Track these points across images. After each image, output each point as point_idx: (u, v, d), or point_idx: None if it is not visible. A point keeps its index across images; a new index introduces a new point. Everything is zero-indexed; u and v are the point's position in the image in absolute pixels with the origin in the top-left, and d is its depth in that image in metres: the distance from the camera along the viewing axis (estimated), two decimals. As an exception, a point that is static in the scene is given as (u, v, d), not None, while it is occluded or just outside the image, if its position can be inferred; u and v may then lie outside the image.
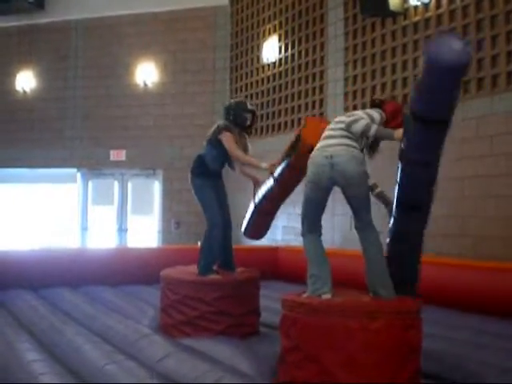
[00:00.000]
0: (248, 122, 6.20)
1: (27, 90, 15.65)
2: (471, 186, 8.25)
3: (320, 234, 4.54)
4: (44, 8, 15.53)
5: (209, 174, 6.06)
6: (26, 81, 15.63)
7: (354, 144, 4.40)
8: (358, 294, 4.45)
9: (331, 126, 4.61)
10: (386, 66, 9.86)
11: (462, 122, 8.38)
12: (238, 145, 6.03)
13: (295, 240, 10.96)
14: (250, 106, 6.27)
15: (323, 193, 4.43)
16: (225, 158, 6.12)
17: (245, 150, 6.14)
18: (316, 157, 4.41)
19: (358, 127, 4.36)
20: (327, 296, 4.24)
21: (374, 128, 4.32)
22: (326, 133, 4.55)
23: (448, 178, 8.49)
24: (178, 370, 4.42)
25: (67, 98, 15.37)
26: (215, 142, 6.02)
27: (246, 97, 12.78)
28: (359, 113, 4.63)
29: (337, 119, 4.64)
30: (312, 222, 4.51)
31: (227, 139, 5.94)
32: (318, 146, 4.48)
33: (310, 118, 5.47)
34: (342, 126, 4.48)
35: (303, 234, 4.54)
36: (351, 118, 4.47)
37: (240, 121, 6.14)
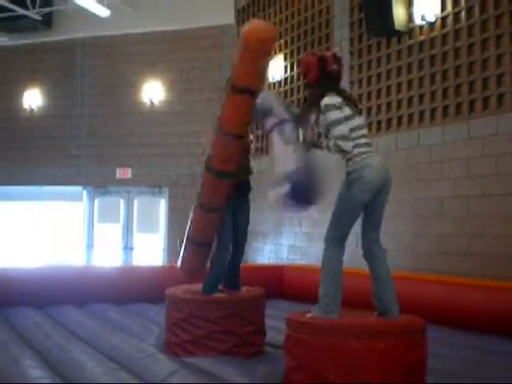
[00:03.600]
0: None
1: (34, 107, 15.74)
2: (477, 205, 8.24)
3: (344, 250, 4.44)
4: (51, 26, 15.64)
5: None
6: (32, 99, 15.72)
7: None
8: (362, 314, 4.44)
9: (364, 131, 4.53)
10: (391, 85, 9.87)
11: (467, 141, 8.39)
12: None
13: (301, 259, 10.97)
14: None
15: (371, 196, 4.35)
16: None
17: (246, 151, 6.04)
18: (374, 161, 4.35)
19: None
20: (333, 317, 4.22)
21: None
22: (367, 140, 4.49)
23: (454, 196, 8.52)
24: (183, 388, 4.41)
25: (73, 116, 15.44)
26: None
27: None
28: None
29: (362, 120, 4.61)
30: (346, 232, 4.40)
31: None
32: (369, 150, 4.40)
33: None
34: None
35: (330, 246, 4.39)
36: None
37: None
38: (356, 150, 4.36)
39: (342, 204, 4.38)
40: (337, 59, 4.69)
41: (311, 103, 4.62)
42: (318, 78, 4.61)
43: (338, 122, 4.37)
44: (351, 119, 4.42)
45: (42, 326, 6.73)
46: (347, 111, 4.44)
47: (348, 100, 4.53)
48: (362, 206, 4.36)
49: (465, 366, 5.15)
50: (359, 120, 4.50)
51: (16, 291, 8.04)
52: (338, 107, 4.41)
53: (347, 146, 4.32)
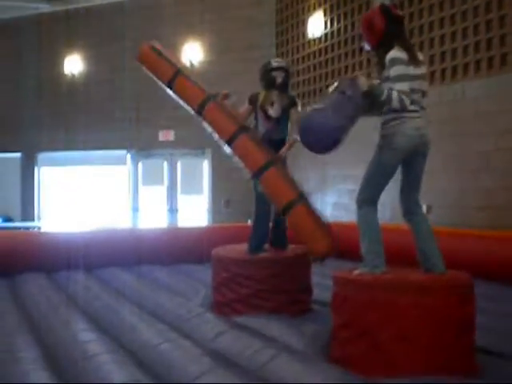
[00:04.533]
0: (279, 80, 6.00)
1: (76, 73, 15.81)
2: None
3: (376, 207, 4.43)
4: (90, -9, 15.64)
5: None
6: (74, 64, 15.79)
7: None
8: (409, 269, 4.41)
9: (418, 95, 4.34)
10: (434, 38, 9.68)
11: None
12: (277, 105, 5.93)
13: (345, 216, 10.91)
14: (274, 64, 6.07)
15: (401, 160, 4.34)
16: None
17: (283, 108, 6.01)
18: (406, 129, 4.25)
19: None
20: (381, 272, 4.22)
21: None
22: (415, 106, 4.32)
23: (499, 149, 8.38)
24: (232, 348, 4.44)
25: (116, 80, 15.47)
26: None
27: (292, 73, 12.68)
28: None
29: (419, 71, 4.37)
30: (377, 194, 4.40)
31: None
32: (405, 115, 4.24)
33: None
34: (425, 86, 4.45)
35: (362, 206, 4.40)
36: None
37: (270, 82, 6.00)
38: (389, 116, 4.30)
39: (373, 167, 4.39)
40: (396, 7, 4.56)
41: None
42: (385, 25, 4.41)
43: (403, 78, 4.22)
44: (413, 80, 4.28)
45: (91, 289, 6.84)
46: (411, 70, 4.28)
47: (413, 55, 4.35)
48: (391, 171, 4.33)
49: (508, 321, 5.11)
50: (418, 83, 4.33)
51: (65, 255, 8.17)
52: (403, 62, 4.24)
53: (407, 102, 4.20)
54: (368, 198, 4.40)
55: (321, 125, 4.24)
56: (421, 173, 4.46)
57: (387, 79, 4.27)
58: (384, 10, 4.50)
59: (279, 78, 6.01)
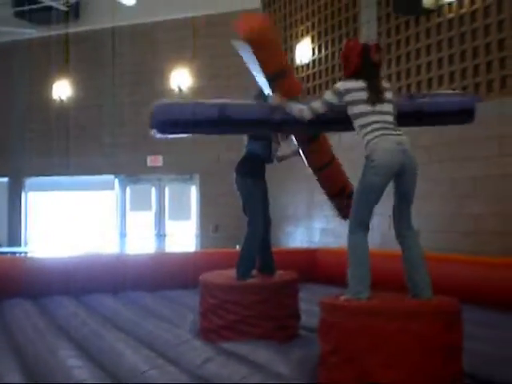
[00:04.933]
0: None
1: (64, 98, 15.83)
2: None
3: (367, 232, 4.40)
4: (78, 17, 15.70)
5: (254, 173, 6.00)
6: (62, 89, 15.81)
7: None
8: (396, 295, 4.42)
9: (385, 108, 4.48)
10: (421, 65, 9.77)
11: (498, 119, 8.28)
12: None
13: (333, 242, 10.93)
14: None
15: (389, 179, 4.32)
16: (270, 147, 6.11)
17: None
18: (386, 143, 4.28)
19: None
20: (364, 299, 4.20)
21: None
22: (384, 119, 4.43)
23: (487, 175, 8.42)
24: (219, 375, 4.42)
25: (104, 106, 15.52)
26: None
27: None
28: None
29: (385, 107, 4.49)
30: (367, 216, 4.36)
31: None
32: (382, 132, 4.35)
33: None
34: (393, 111, 4.52)
35: (352, 230, 4.38)
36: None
37: None
38: (372, 135, 4.35)
39: (359, 189, 4.39)
40: (379, 49, 4.68)
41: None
42: (360, 64, 4.55)
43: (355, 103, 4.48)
44: (360, 104, 4.45)
45: (78, 315, 6.80)
46: (359, 96, 4.45)
47: (372, 89, 4.49)
48: (378, 190, 4.31)
49: (499, 347, 5.10)
50: (377, 107, 4.44)
51: (52, 280, 8.14)
52: (339, 92, 4.54)
53: (308, 115, 4.70)
54: (358, 221, 4.38)
55: None
56: (410, 194, 4.43)
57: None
58: (364, 49, 4.61)
59: None
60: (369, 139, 4.36)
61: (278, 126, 5.18)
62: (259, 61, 4.98)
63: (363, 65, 4.55)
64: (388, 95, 4.52)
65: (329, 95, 4.59)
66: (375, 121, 4.39)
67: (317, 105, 4.66)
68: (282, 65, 5.24)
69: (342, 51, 4.76)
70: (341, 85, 4.54)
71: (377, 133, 4.35)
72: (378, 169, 4.26)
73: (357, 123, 4.47)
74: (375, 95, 4.45)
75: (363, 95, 4.44)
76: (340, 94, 4.51)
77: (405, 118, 4.91)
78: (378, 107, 4.43)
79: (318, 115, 4.70)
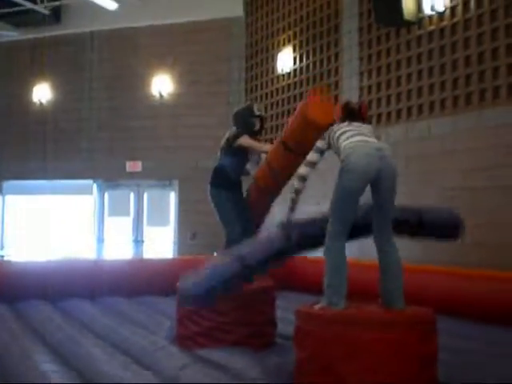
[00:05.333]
0: (257, 127, 6.25)
1: (44, 102, 15.76)
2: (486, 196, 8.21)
3: (345, 242, 4.36)
4: (59, 20, 15.63)
5: (229, 186, 6.04)
6: (42, 93, 15.74)
7: None
8: (372, 304, 4.43)
9: (363, 129, 4.60)
10: (401, 76, 9.85)
11: (478, 131, 8.35)
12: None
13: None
14: (257, 112, 6.30)
15: (365, 185, 4.25)
16: (244, 164, 6.17)
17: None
18: (363, 147, 4.30)
19: None
20: (339, 308, 4.20)
21: None
22: (362, 131, 4.54)
23: (464, 187, 8.48)
24: (194, 381, 4.41)
25: (83, 110, 15.46)
26: (233, 150, 6.03)
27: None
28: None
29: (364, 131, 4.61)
30: (344, 224, 4.30)
31: (247, 140, 5.99)
32: (358, 139, 4.40)
33: (312, 98, 5.53)
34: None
35: (329, 239, 4.33)
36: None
37: (249, 126, 6.16)
38: (347, 141, 4.43)
39: (335, 195, 4.33)
40: (363, 106, 4.93)
41: None
42: (342, 116, 4.78)
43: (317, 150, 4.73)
44: (344, 130, 4.57)
45: (53, 320, 6.76)
46: (343, 128, 4.60)
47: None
48: (354, 195, 4.26)
49: (474, 358, 5.14)
50: (356, 129, 4.57)
51: (28, 285, 8.09)
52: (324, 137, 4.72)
53: (304, 170, 4.77)
54: (336, 229, 4.33)
55: None
56: (388, 206, 4.37)
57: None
58: (344, 105, 4.92)
59: (257, 125, 6.26)
60: (344, 145, 4.38)
61: (298, 246, 5.30)
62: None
63: (345, 114, 4.79)
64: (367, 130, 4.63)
65: (319, 142, 4.73)
66: (353, 133, 4.48)
67: (309, 155, 4.76)
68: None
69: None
70: (325, 133, 4.74)
71: (352, 139, 4.39)
72: (351, 173, 4.21)
73: (339, 145, 4.50)
74: (354, 117, 4.68)
75: (345, 126, 4.60)
76: (325, 137, 4.69)
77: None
78: (357, 126, 4.57)
79: (314, 164, 4.76)
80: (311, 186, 5.12)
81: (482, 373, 4.65)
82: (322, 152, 4.69)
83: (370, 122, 4.97)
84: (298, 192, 4.84)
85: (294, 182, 4.89)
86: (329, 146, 4.65)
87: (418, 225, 5.20)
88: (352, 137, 4.42)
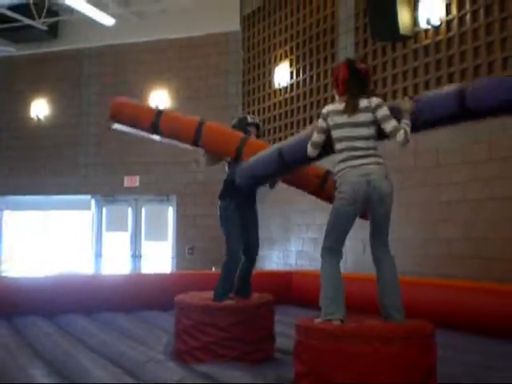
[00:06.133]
0: (253, 136, 6.29)
1: (41, 117, 15.81)
2: (485, 208, 8.22)
3: (340, 260, 4.47)
4: (57, 36, 15.71)
5: (237, 198, 6.00)
6: (39, 109, 15.79)
7: (380, 156, 4.49)
8: (371, 318, 4.43)
9: (357, 132, 4.47)
10: (397, 90, 9.89)
11: (474, 144, 8.38)
12: None
13: (309, 265, 10.96)
14: (251, 120, 6.42)
15: (359, 207, 4.40)
16: None
17: None
18: (351, 176, 4.37)
19: (388, 128, 4.40)
20: (339, 322, 4.21)
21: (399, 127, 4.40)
22: (354, 145, 4.44)
23: (462, 200, 8.50)
24: (193, 397, 4.41)
25: (80, 125, 15.50)
26: (237, 162, 6.03)
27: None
28: (383, 105, 4.51)
29: (359, 132, 4.48)
30: (338, 242, 4.44)
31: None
32: (351, 164, 4.40)
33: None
34: (368, 133, 4.47)
35: (324, 255, 4.45)
36: (382, 116, 4.44)
37: (246, 135, 6.18)
38: (339, 166, 4.48)
39: (331, 216, 4.48)
40: (362, 62, 4.81)
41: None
42: (348, 76, 4.60)
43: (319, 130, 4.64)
44: (337, 129, 4.51)
45: (50, 335, 6.73)
46: (336, 120, 4.51)
47: (347, 107, 4.53)
48: (347, 218, 4.42)
49: (473, 371, 5.13)
50: (351, 131, 4.48)
51: (25, 300, 8.06)
52: (324, 116, 4.60)
53: (312, 152, 4.73)
54: (330, 247, 4.45)
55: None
56: (382, 221, 4.48)
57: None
58: (348, 63, 4.72)
59: (254, 133, 6.33)
60: (338, 170, 4.49)
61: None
62: None
63: (350, 74, 4.61)
64: (364, 117, 4.51)
65: (319, 121, 4.66)
66: (345, 148, 4.47)
67: (313, 137, 4.70)
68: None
69: (332, 72, 4.92)
70: (325, 108, 4.64)
71: (343, 165, 4.45)
72: (345, 200, 4.38)
73: (335, 148, 4.55)
74: (348, 116, 4.49)
75: (339, 119, 4.50)
76: (324, 116, 4.60)
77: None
78: (352, 132, 4.47)
79: (320, 146, 4.72)
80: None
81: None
82: (326, 131, 4.62)
83: (373, 93, 4.78)
84: None
85: None
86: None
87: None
88: (343, 162, 4.45)
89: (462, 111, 4.33)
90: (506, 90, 4.09)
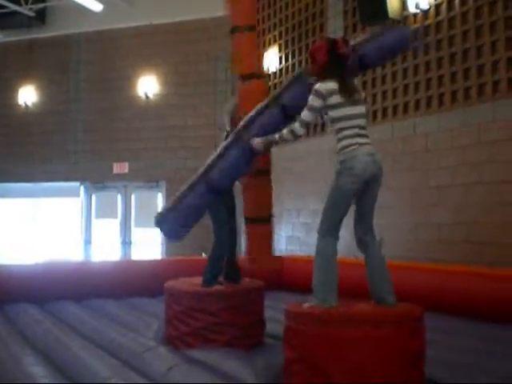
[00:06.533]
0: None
1: (29, 104, 15.73)
2: (475, 192, 8.24)
3: (337, 240, 4.41)
4: (45, 22, 15.61)
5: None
6: (27, 95, 15.71)
7: None
8: (361, 303, 4.43)
9: (358, 110, 4.45)
10: (386, 74, 9.87)
11: (463, 129, 8.39)
12: None
13: (299, 250, 10.96)
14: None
15: (360, 186, 4.33)
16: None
17: None
18: (361, 154, 4.31)
19: None
20: (332, 306, 4.20)
21: None
22: (358, 123, 4.42)
23: (451, 184, 8.52)
24: (183, 382, 4.40)
25: (69, 112, 15.42)
26: None
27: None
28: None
29: (358, 110, 4.47)
30: (337, 223, 4.37)
31: None
32: (358, 141, 4.36)
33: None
34: (365, 111, 4.53)
35: (321, 237, 4.37)
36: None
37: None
38: (346, 142, 4.36)
39: (332, 194, 4.38)
40: (346, 43, 4.63)
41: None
42: (326, 60, 4.50)
43: (316, 109, 4.48)
44: (339, 108, 4.40)
45: (41, 323, 6.72)
46: (337, 99, 4.40)
47: (344, 88, 4.46)
48: (348, 197, 4.34)
49: (463, 355, 5.16)
50: (352, 109, 4.44)
51: (15, 288, 8.03)
52: (323, 96, 4.42)
53: (302, 132, 4.55)
54: (329, 227, 4.37)
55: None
56: (374, 200, 4.49)
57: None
58: (329, 44, 4.57)
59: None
60: (344, 145, 4.37)
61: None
62: None
63: (330, 59, 4.50)
64: (359, 96, 4.51)
65: (314, 100, 4.43)
66: (351, 126, 4.39)
67: (305, 115, 4.50)
68: None
69: (310, 50, 4.75)
70: (322, 87, 4.42)
71: (352, 140, 4.36)
72: (355, 177, 4.29)
73: (335, 126, 4.45)
74: (349, 96, 4.43)
75: (339, 98, 4.40)
76: (323, 96, 4.40)
77: None
78: (353, 110, 4.42)
79: (308, 125, 4.66)
80: (314, 181, 5.13)
81: (468, 368, 4.68)
82: (319, 111, 4.49)
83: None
84: (282, 140, 4.76)
85: (284, 131, 4.68)
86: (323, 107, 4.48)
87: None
88: (351, 137, 4.37)
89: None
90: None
